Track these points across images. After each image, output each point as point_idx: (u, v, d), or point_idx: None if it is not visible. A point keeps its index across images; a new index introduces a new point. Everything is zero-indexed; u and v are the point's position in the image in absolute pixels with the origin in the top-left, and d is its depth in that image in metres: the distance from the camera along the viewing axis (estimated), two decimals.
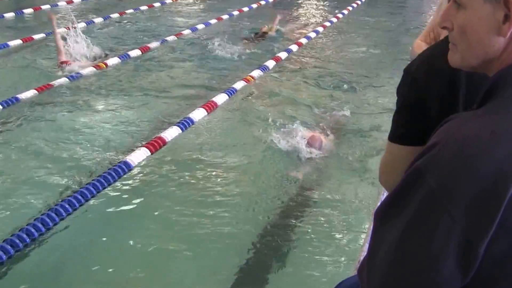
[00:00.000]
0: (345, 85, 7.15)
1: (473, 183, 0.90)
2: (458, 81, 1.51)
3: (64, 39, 7.80)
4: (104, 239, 3.74)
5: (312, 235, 3.79)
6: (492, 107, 0.99)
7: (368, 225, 3.75)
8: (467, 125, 0.96)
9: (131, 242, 3.67)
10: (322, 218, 3.99)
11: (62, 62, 7.40)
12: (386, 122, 5.65)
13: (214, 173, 4.66)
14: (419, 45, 2.50)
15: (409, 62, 1.77)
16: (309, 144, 4.96)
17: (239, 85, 6.85)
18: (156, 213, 4.04)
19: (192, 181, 4.53)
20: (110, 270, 3.42)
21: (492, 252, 0.93)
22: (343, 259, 3.50)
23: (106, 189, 4.23)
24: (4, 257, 3.40)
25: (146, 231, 3.83)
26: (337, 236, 3.80)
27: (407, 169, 1.01)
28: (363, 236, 3.65)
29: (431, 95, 1.54)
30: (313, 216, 4.05)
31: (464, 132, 0.94)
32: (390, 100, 6.39)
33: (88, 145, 5.12)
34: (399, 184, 1.01)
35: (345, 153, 5.08)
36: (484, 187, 0.89)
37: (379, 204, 1.05)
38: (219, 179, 4.57)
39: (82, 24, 10.15)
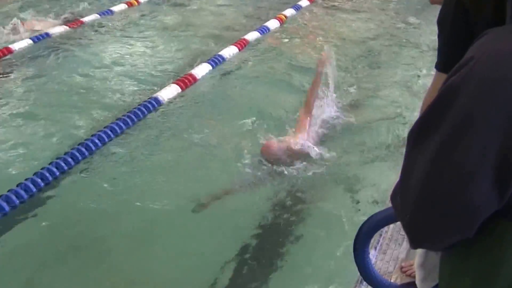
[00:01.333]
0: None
1: (508, 99, 0.85)
2: (505, 2, 1.41)
3: None
4: (128, 176, 3.73)
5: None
6: None
7: None
8: (502, 40, 0.92)
9: (152, 183, 3.65)
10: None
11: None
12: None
13: (240, 115, 4.47)
14: None
15: None
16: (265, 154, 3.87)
17: (271, 23, 6.68)
18: (180, 154, 3.99)
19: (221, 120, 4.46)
20: (127, 201, 3.46)
21: None
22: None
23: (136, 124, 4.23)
24: (42, 184, 3.50)
25: (168, 171, 3.78)
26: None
27: (441, 86, 0.95)
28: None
29: (479, 18, 1.44)
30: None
31: (498, 48, 0.90)
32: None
33: (119, 81, 5.11)
34: (433, 102, 0.95)
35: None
36: None
37: (413, 125, 0.97)
38: (245, 120, 4.36)
39: None
